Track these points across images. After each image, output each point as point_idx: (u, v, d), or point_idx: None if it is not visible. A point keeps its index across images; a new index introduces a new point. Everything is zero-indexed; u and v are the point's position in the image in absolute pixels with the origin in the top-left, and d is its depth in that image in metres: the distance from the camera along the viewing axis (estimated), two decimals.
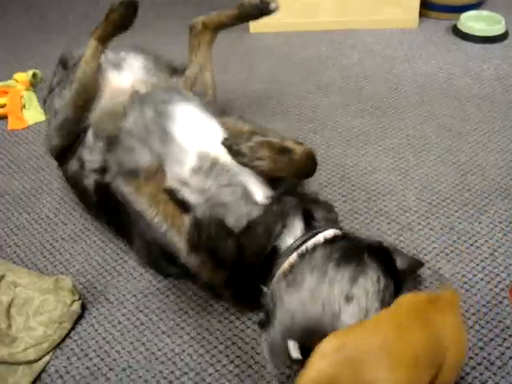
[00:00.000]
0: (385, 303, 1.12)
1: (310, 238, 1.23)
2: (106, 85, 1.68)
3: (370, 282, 1.13)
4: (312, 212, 1.31)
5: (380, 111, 2.16)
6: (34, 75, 2.56)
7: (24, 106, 2.38)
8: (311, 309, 1.10)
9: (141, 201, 1.36)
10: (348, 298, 1.10)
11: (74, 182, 1.67)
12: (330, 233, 1.26)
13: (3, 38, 3.05)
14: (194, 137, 1.39)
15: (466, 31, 2.61)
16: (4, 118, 2.34)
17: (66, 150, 1.69)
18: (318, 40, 2.71)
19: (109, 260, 1.62)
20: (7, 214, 1.83)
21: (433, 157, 1.89)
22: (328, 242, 1.22)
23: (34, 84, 2.55)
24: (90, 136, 1.58)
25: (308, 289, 1.12)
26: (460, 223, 1.63)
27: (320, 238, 1.23)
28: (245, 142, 1.26)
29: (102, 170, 1.50)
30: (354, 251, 1.19)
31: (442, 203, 1.70)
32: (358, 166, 1.87)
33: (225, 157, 1.31)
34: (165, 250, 1.36)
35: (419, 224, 1.63)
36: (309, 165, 1.32)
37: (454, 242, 1.57)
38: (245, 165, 1.27)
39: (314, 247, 1.20)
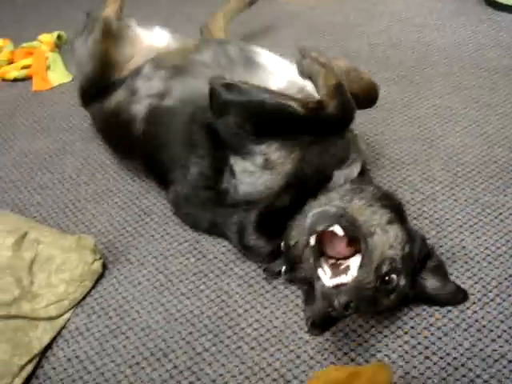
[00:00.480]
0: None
1: (362, 183, 1.36)
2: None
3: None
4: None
5: (407, 80, 2.12)
6: (59, 37, 2.56)
7: (49, 67, 2.38)
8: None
9: None
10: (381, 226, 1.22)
11: (118, 113, 1.65)
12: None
13: None
14: (281, 67, 1.55)
15: (499, 0, 2.54)
16: (29, 78, 2.35)
17: (99, 84, 1.75)
18: (345, 7, 2.67)
19: (130, 221, 1.62)
20: (31, 173, 1.84)
21: (459, 128, 1.86)
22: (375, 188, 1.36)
23: (58, 45, 2.55)
24: (146, 67, 1.65)
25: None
26: (485, 195, 1.60)
27: (370, 187, 1.34)
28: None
29: (162, 95, 1.54)
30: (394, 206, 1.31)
31: (468, 174, 1.67)
32: (384, 134, 1.85)
33: (311, 87, 1.40)
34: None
35: (443, 195, 1.61)
36: (373, 92, 1.48)
37: (478, 213, 1.55)
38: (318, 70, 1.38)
39: (363, 189, 1.32)
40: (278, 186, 1.33)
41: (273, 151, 1.33)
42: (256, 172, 1.34)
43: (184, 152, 1.46)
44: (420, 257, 1.28)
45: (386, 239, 1.21)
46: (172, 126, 1.49)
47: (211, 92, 1.36)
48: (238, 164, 1.36)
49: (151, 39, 1.85)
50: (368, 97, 1.47)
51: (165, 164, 1.52)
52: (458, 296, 1.31)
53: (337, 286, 1.11)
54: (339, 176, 1.36)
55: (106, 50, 1.78)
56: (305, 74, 1.42)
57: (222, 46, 1.61)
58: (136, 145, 1.60)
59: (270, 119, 1.33)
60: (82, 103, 1.83)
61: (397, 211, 1.30)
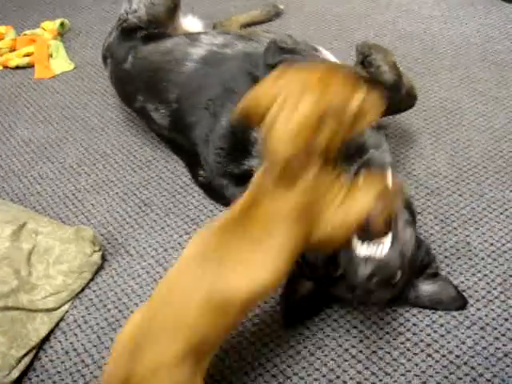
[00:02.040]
0: None
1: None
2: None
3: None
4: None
5: (413, 72, 2.08)
6: (62, 24, 2.54)
7: (51, 55, 2.35)
8: None
9: None
10: None
11: (171, 52, 1.66)
12: None
13: None
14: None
15: None
16: (31, 66, 2.33)
17: (161, 27, 1.82)
18: None
19: (130, 212, 1.61)
20: (31, 162, 1.83)
21: (466, 121, 1.83)
22: None
23: (61, 33, 2.52)
24: (211, 31, 1.85)
25: None
26: (491, 190, 1.58)
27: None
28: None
29: (224, 45, 1.60)
30: None
31: (473, 169, 1.64)
32: (389, 127, 1.81)
33: None
34: None
35: (448, 189, 1.59)
36: (412, 97, 1.63)
37: (484, 209, 1.52)
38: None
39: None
40: None
41: None
42: None
43: (223, 95, 1.49)
44: (421, 264, 1.29)
45: (404, 236, 1.21)
46: (222, 68, 1.54)
47: (265, 49, 1.49)
48: None
49: (186, 25, 1.94)
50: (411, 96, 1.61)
51: (198, 104, 1.53)
52: (458, 302, 1.29)
53: (367, 259, 1.12)
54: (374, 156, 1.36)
55: (176, 2, 1.87)
56: (364, 52, 1.54)
57: (289, 35, 1.67)
58: (178, 84, 1.59)
59: None
60: (143, 42, 1.78)
61: (413, 216, 1.31)
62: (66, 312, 1.36)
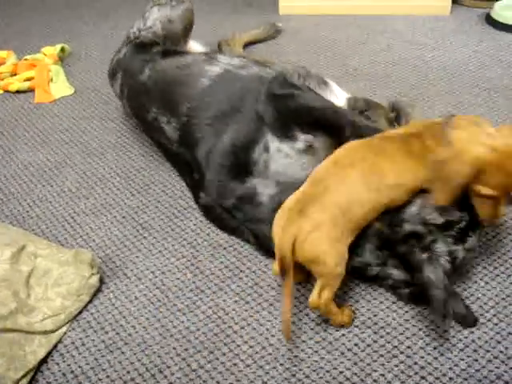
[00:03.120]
0: None
1: None
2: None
3: None
4: None
5: (407, 98, 2.12)
6: (63, 49, 2.58)
7: (51, 80, 2.39)
8: None
9: None
10: None
11: (189, 67, 1.74)
12: None
13: (33, 11, 3.07)
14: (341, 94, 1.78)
15: (500, 20, 2.56)
16: (31, 90, 2.36)
17: (178, 44, 1.97)
18: (347, 24, 2.68)
19: (128, 236, 1.62)
20: (30, 185, 1.85)
21: None
22: None
23: (61, 58, 2.57)
24: (227, 53, 1.96)
25: None
26: None
27: None
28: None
29: (240, 67, 1.68)
30: None
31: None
32: None
33: None
34: None
35: None
36: None
37: None
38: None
39: None
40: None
41: (318, 140, 1.44)
42: (292, 156, 1.44)
43: (229, 113, 1.55)
44: None
45: None
46: (234, 86, 1.60)
47: (272, 78, 1.55)
48: (273, 142, 1.45)
49: (192, 47, 2.08)
50: None
51: (205, 120, 1.58)
52: (468, 319, 1.32)
53: None
54: None
55: (192, 22, 2.03)
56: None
57: (303, 66, 1.79)
58: (190, 98, 1.64)
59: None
60: (161, 56, 1.85)
61: None
62: (64, 334, 1.37)
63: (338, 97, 1.74)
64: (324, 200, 1.24)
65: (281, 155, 1.43)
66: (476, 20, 2.66)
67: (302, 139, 1.43)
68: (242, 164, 1.47)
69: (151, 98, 1.74)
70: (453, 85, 2.20)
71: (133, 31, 1.97)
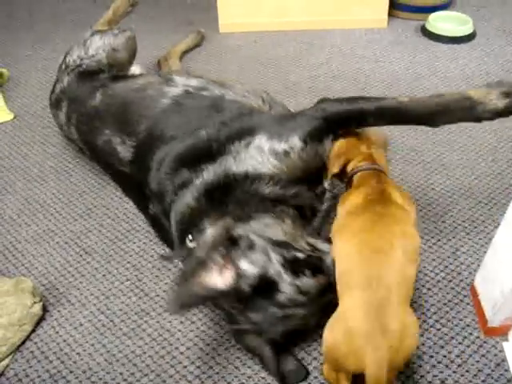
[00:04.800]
0: None
1: None
2: None
3: None
4: None
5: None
6: (1, 74, 2.53)
7: None
8: None
9: None
10: None
11: (145, 89, 1.72)
12: None
13: None
14: None
15: (434, 31, 2.63)
16: None
17: (124, 70, 1.97)
18: (286, 40, 2.71)
19: (71, 261, 1.60)
20: None
21: (398, 156, 1.90)
22: None
23: (0, 83, 2.51)
24: (183, 74, 1.84)
25: None
26: (423, 222, 1.63)
27: None
28: None
29: (200, 88, 1.67)
30: None
31: None
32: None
33: None
34: None
35: None
36: None
37: None
38: None
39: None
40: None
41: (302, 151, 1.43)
42: (279, 154, 1.41)
43: (195, 125, 1.52)
44: None
45: None
46: (194, 109, 1.59)
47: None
48: (262, 140, 1.42)
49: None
50: None
51: (163, 137, 1.55)
52: (299, 374, 1.29)
53: None
54: None
55: (135, 50, 2.05)
56: None
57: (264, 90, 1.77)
58: (149, 117, 1.62)
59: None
60: (111, 81, 1.84)
61: None
62: (7, 366, 1.34)
63: None
64: (393, 301, 1.10)
65: (258, 151, 1.42)
66: (412, 32, 2.73)
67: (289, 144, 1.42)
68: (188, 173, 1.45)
69: (104, 121, 1.72)
70: (391, 95, 2.24)
71: (73, 59, 1.94)
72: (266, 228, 1.27)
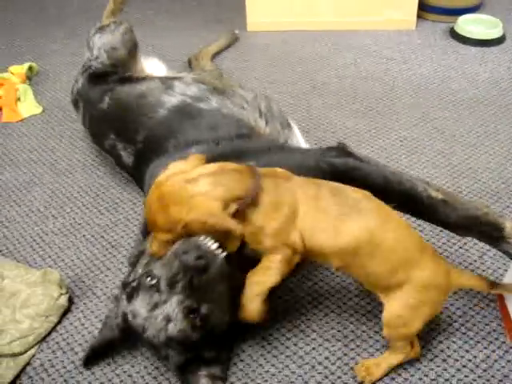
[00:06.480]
0: None
1: None
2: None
3: None
4: None
5: (374, 112, 2.16)
6: (31, 68, 2.56)
7: (19, 99, 2.37)
8: None
9: None
10: None
11: (146, 96, 1.69)
12: None
13: (1, 29, 3.05)
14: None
15: (464, 34, 2.62)
16: None
17: (126, 68, 1.89)
18: (314, 40, 2.71)
19: (98, 254, 1.61)
20: None
21: (425, 159, 1.89)
22: None
23: (29, 77, 2.55)
24: (186, 77, 1.79)
25: None
26: None
27: None
28: None
29: (197, 99, 1.63)
30: None
31: None
32: None
33: None
34: None
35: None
36: None
37: (444, 244, 1.57)
38: None
39: None
40: None
41: None
42: None
43: (187, 141, 1.50)
44: None
45: None
46: (193, 121, 1.56)
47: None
48: None
49: (151, 68, 1.99)
50: None
51: (160, 147, 1.54)
52: None
53: None
54: None
55: (135, 42, 1.94)
56: None
57: (265, 96, 1.72)
58: (147, 127, 1.61)
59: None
60: (119, 83, 1.82)
61: None
62: (33, 356, 1.36)
63: (299, 144, 1.66)
64: None
65: None
66: (440, 34, 2.71)
67: None
68: None
69: (110, 124, 1.74)
70: (418, 98, 2.23)
71: (84, 60, 1.96)
72: None
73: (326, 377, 1.26)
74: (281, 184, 1.17)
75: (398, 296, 1.15)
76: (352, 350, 1.31)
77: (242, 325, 1.23)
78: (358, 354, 1.30)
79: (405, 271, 1.13)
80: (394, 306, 1.16)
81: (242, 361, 1.31)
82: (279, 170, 1.22)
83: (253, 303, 1.16)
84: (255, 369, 1.29)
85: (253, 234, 1.14)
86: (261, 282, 1.15)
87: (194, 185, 1.12)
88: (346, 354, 1.30)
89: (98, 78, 1.87)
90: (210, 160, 1.22)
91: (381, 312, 1.20)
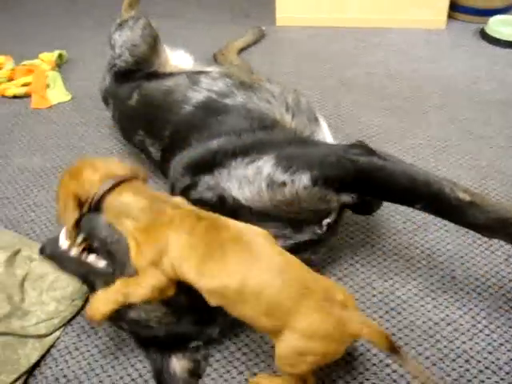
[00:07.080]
0: None
1: None
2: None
3: None
4: None
5: (402, 111, 2.15)
6: (60, 56, 2.59)
7: (48, 86, 2.40)
8: None
9: None
10: None
11: (172, 92, 1.68)
12: None
13: (32, 17, 3.09)
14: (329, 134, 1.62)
15: (494, 35, 2.60)
16: (28, 96, 2.37)
17: (149, 65, 1.87)
18: (343, 36, 2.71)
19: None
20: (26, 190, 1.85)
21: (452, 159, 1.88)
22: None
23: (59, 64, 2.57)
24: (213, 71, 1.74)
25: None
26: None
27: None
28: None
29: (223, 95, 1.60)
30: None
31: None
32: None
33: None
34: None
35: (435, 225, 1.63)
36: None
37: (469, 245, 1.56)
38: None
39: None
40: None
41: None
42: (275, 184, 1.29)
43: (210, 134, 1.48)
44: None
45: None
46: (219, 119, 1.53)
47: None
48: (267, 163, 1.30)
49: (177, 60, 1.96)
50: None
51: (185, 141, 1.53)
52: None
53: None
54: None
55: (156, 36, 1.90)
56: None
57: (294, 90, 1.67)
58: (173, 123, 1.61)
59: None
60: (146, 79, 1.82)
61: None
62: (58, 339, 1.37)
63: (326, 139, 1.60)
64: None
65: (246, 181, 1.32)
66: (471, 35, 2.69)
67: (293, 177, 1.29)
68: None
69: (138, 121, 1.75)
70: (447, 98, 2.22)
71: (109, 59, 1.96)
72: None
73: (348, 372, 1.26)
74: (164, 209, 1.16)
75: (283, 339, 1.08)
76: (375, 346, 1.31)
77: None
78: (381, 351, 1.30)
79: (280, 317, 1.06)
80: (281, 348, 1.09)
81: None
82: (178, 198, 1.23)
83: (105, 306, 1.14)
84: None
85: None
86: (127, 295, 1.13)
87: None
88: (368, 350, 1.30)
89: (123, 76, 1.88)
90: None
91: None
